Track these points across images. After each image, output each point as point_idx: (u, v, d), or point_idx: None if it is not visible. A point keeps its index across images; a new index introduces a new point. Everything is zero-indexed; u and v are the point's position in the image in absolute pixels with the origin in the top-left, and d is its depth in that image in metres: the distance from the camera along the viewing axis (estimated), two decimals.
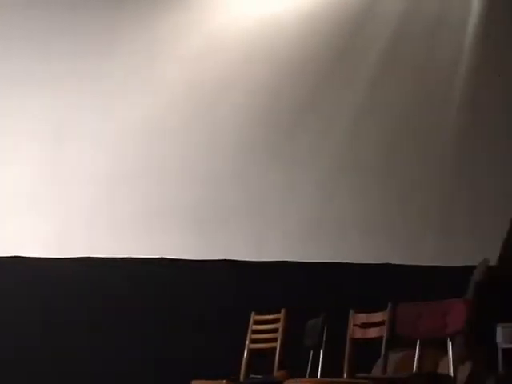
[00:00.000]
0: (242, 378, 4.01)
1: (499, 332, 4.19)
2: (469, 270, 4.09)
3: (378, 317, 3.58)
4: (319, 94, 4.98)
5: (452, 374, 3.23)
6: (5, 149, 5.33)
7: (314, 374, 3.92)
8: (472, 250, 4.47)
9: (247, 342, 4.15)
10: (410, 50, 5.12)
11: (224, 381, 3.78)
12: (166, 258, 4.90)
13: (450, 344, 3.23)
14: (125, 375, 4.66)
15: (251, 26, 5.06)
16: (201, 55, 4.99)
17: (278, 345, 3.93)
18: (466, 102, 5.04)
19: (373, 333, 3.59)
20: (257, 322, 4.17)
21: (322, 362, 3.84)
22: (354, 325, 3.78)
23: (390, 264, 4.70)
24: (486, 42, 5.11)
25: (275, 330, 4.02)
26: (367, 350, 3.65)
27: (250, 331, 4.19)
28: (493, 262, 4.29)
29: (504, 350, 4.17)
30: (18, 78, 5.09)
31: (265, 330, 4.14)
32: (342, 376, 3.67)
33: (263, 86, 4.94)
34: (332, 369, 3.71)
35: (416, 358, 3.45)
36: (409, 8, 5.13)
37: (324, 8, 5.08)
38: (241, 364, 4.10)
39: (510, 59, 5.22)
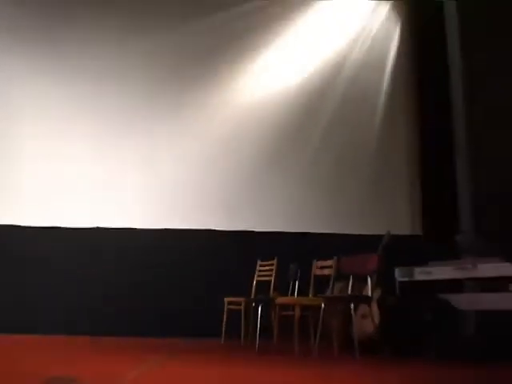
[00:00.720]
0: (252, 296, 5.86)
1: (396, 271, 5.53)
2: (379, 236, 5.83)
3: (329, 262, 5.22)
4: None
5: (370, 295, 4.84)
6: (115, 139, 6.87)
7: (292, 294, 5.63)
8: (381, 224, 6.47)
9: (255, 277, 5.98)
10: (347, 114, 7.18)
11: (242, 298, 5.82)
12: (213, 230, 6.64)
13: (369, 278, 4.84)
14: (187, 302, 6.36)
15: (254, 103, 7.08)
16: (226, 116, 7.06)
17: (272, 278, 5.78)
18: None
19: (326, 271, 5.25)
20: (261, 266, 6.03)
21: (297, 288, 5.63)
22: (316, 267, 5.39)
23: (336, 233, 6.66)
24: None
25: (271, 270, 5.83)
26: (323, 282, 5.26)
27: (257, 271, 6.04)
28: (393, 232, 5.93)
29: (399, 281, 5.49)
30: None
31: (265, 269, 5.95)
32: (308, 295, 5.33)
33: (263, 134, 7.05)
34: (303, 292, 5.46)
35: (350, 286, 5.16)
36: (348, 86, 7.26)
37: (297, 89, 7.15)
38: (251, 289, 5.96)
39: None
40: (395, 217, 6.92)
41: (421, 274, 5.36)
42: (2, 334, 5.91)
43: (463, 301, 5.09)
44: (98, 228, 6.63)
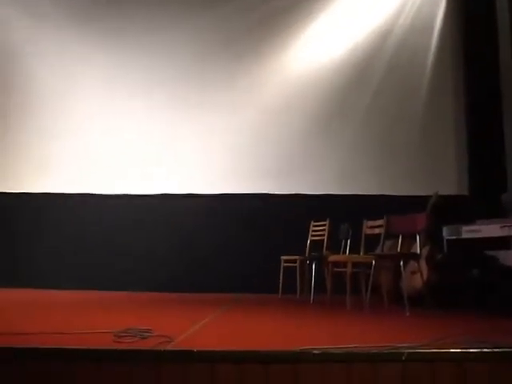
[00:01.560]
0: (307, 254, 6.15)
1: (444, 230, 5.69)
2: (428, 197, 6.04)
3: (379, 222, 5.36)
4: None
5: (419, 252, 4.99)
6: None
7: (344, 253, 5.86)
8: (429, 184, 6.60)
9: (309, 237, 6.28)
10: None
11: (297, 256, 6.13)
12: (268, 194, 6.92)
13: (418, 236, 4.95)
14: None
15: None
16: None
17: (325, 237, 6.05)
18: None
19: (376, 231, 5.40)
20: (314, 226, 6.32)
21: (349, 246, 5.87)
22: (366, 227, 5.53)
23: (385, 195, 6.81)
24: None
25: (324, 230, 6.10)
26: (373, 241, 5.46)
27: (310, 231, 6.32)
28: (441, 192, 6.13)
29: (447, 240, 5.65)
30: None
31: (318, 230, 6.23)
32: (359, 253, 5.49)
33: (314, 101, 7.17)
34: (355, 251, 5.66)
35: (399, 244, 5.28)
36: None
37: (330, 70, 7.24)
38: (306, 248, 6.26)
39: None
40: (443, 177, 6.97)
41: (468, 232, 5.47)
42: (70, 289, 6.41)
43: (510, 257, 5.23)
44: (159, 194, 7.02)
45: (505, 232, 5.18)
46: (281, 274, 6.08)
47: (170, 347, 2.44)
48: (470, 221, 5.62)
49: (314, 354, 2.25)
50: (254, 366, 2.26)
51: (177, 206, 6.97)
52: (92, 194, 7.05)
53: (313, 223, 6.31)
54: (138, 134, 7.19)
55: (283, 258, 6.13)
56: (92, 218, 7.00)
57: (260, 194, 6.97)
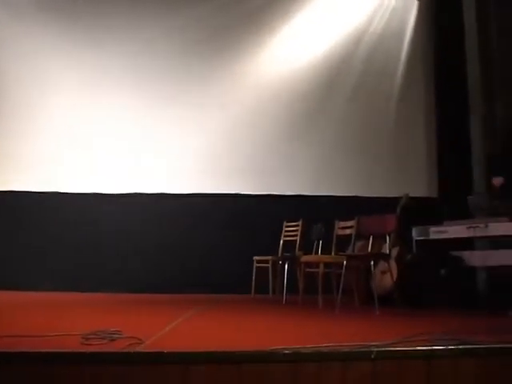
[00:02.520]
0: (279, 254, 6.13)
1: (413, 231, 5.67)
2: (398, 198, 6.12)
3: (350, 223, 5.42)
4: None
5: (389, 252, 5.06)
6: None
7: (316, 253, 5.84)
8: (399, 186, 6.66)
9: (282, 237, 6.26)
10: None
11: (270, 257, 6.10)
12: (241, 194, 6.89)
13: (388, 237, 5.02)
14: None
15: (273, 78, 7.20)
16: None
17: (298, 238, 6.06)
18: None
19: (348, 231, 5.46)
20: (287, 227, 6.30)
21: (321, 247, 5.86)
22: (338, 228, 5.59)
23: (357, 196, 6.88)
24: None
25: (297, 230, 6.11)
26: (345, 241, 5.50)
27: (283, 231, 6.29)
28: (411, 194, 6.15)
29: (416, 240, 5.64)
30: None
31: (291, 230, 6.21)
32: (331, 253, 5.50)
33: (289, 103, 7.17)
34: (327, 251, 5.64)
35: (370, 244, 5.31)
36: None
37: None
38: (278, 249, 6.23)
39: None
40: (413, 180, 7.12)
41: (436, 232, 5.53)
42: (44, 291, 6.23)
43: (475, 257, 5.32)
44: (135, 193, 6.91)
45: (470, 233, 5.26)
46: (253, 275, 6.07)
47: (140, 349, 2.40)
48: (438, 222, 5.70)
49: (285, 353, 2.24)
50: (225, 366, 2.23)
51: (150, 206, 6.87)
52: (64, 193, 6.87)
53: (285, 224, 6.31)
54: (116, 133, 7.04)
55: (256, 258, 6.12)
56: (66, 217, 6.81)
57: (233, 194, 6.94)
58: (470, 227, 5.24)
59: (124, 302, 5.52)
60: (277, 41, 7.31)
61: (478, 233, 5.17)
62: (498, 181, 3.80)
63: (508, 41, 6.73)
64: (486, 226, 5.08)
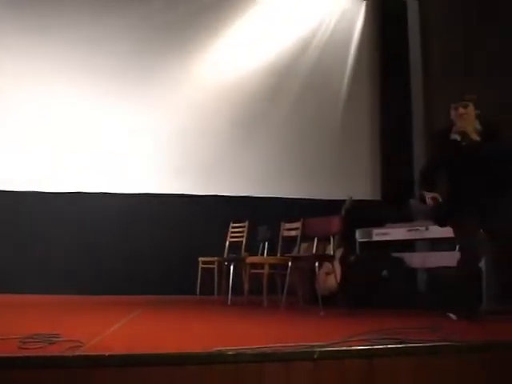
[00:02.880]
0: (225, 255, 6.11)
1: (357, 232, 5.90)
2: (342, 201, 6.21)
3: (296, 225, 5.52)
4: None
5: (333, 254, 5.19)
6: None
7: (262, 254, 5.92)
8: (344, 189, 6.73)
9: (228, 238, 6.25)
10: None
11: (216, 258, 6.12)
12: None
13: (332, 238, 5.16)
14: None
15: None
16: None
17: (244, 239, 6.06)
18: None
19: (293, 233, 5.55)
20: (233, 228, 6.29)
21: (267, 248, 5.95)
22: (284, 229, 5.65)
23: (303, 198, 6.95)
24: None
25: (243, 232, 6.12)
26: (290, 243, 5.58)
27: (229, 232, 6.29)
28: (355, 197, 6.27)
29: (359, 242, 5.88)
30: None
31: (237, 231, 6.21)
32: (276, 255, 5.59)
33: (236, 106, 7.17)
34: (273, 252, 5.73)
35: (314, 246, 5.41)
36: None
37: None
38: (224, 250, 6.20)
39: None
40: (357, 183, 7.32)
41: (378, 235, 5.75)
42: None
43: (415, 259, 5.51)
44: (79, 193, 6.70)
45: (411, 235, 5.51)
46: (199, 276, 6.04)
47: (80, 352, 2.33)
48: (380, 224, 5.91)
49: (228, 354, 2.23)
50: (167, 368, 2.20)
51: (92, 205, 6.68)
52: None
53: (231, 225, 6.30)
54: (56, 128, 6.77)
55: (201, 259, 6.10)
56: (9, 216, 6.53)
57: (179, 194, 6.86)
58: (411, 230, 5.48)
59: (65, 304, 5.38)
60: (224, 42, 7.28)
61: (419, 235, 5.41)
62: (430, 197, 3.99)
63: (450, 51, 7.04)
64: (427, 229, 5.30)
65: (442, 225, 4.22)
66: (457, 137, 3.98)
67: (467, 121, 3.97)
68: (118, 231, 6.67)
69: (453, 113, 4.03)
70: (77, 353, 2.27)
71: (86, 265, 6.49)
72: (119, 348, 2.52)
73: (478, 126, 4.02)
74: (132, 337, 3.05)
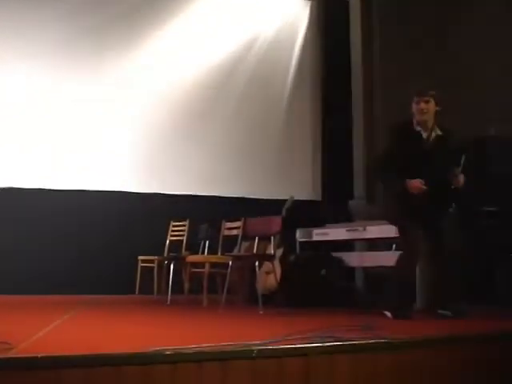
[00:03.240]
0: (165, 254, 6.07)
1: (297, 232, 5.97)
2: (283, 201, 6.26)
3: (237, 224, 5.52)
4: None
5: (273, 253, 5.13)
6: None
7: (203, 253, 5.92)
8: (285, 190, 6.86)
9: (168, 237, 6.20)
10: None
11: (156, 256, 6.09)
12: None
13: (272, 238, 5.09)
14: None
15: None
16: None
17: (184, 238, 6.03)
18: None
19: (234, 232, 5.55)
20: (173, 226, 6.24)
21: (208, 247, 5.97)
22: (225, 228, 5.67)
23: (245, 197, 7.06)
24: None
25: (183, 230, 6.09)
26: (232, 242, 5.59)
27: (170, 231, 6.23)
28: (296, 197, 6.32)
29: (299, 242, 5.95)
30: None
31: (178, 229, 6.17)
32: (217, 254, 5.60)
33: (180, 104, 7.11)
34: (214, 251, 5.74)
35: (255, 245, 5.37)
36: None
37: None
38: (164, 248, 6.18)
39: None
40: (299, 184, 7.45)
41: (318, 234, 5.86)
42: None
43: (353, 258, 5.64)
44: (13, 188, 6.41)
45: (350, 235, 5.63)
46: (138, 275, 5.95)
47: (10, 354, 2.24)
48: (320, 224, 6.04)
49: (166, 354, 2.21)
50: (104, 369, 2.16)
51: (28, 202, 6.40)
52: None
53: (172, 223, 6.24)
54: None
55: (140, 258, 6.01)
56: None
57: (119, 191, 6.72)
58: (349, 230, 5.61)
59: None
60: (167, 42, 7.19)
61: (357, 235, 5.53)
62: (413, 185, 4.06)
63: (390, 56, 7.26)
64: (364, 229, 5.44)
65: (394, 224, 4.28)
66: (420, 129, 4.11)
67: (428, 115, 4.09)
68: (54, 229, 6.41)
69: (414, 106, 4.12)
70: (7, 355, 2.19)
71: (23, 264, 6.19)
72: (52, 349, 2.45)
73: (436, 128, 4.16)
74: (66, 338, 2.97)
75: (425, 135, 4.10)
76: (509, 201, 5.11)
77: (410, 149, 4.11)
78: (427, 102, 4.07)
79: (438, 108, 4.11)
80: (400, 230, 4.21)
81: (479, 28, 6.47)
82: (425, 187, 3.96)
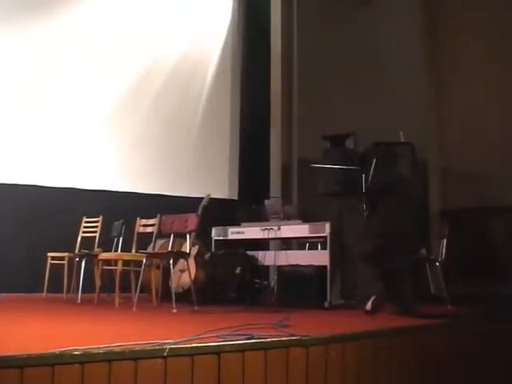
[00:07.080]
0: (76, 251, 5.86)
1: (213, 230, 6.10)
2: (200, 199, 6.13)
3: (152, 221, 5.47)
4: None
5: (188, 251, 5.16)
6: None
7: (116, 250, 5.72)
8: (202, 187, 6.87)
9: (80, 233, 6.01)
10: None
11: (66, 253, 5.83)
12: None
13: (188, 236, 5.13)
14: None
15: None
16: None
17: (97, 234, 5.88)
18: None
19: (149, 229, 5.50)
20: (86, 222, 6.06)
21: (121, 244, 5.76)
22: (139, 225, 5.57)
23: (162, 194, 7.00)
24: None
25: (96, 227, 5.92)
26: (147, 239, 5.54)
27: (82, 227, 6.04)
28: (213, 195, 6.27)
29: (215, 240, 6.09)
30: None
31: (90, 226, 6.00)
32: (131, 251, 5.45)
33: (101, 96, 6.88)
34: (128, 249, 5.55)
35: (170, 243, 5.39)
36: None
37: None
38: (75, 245, 5.97)
39: None
40: (216, 182, 7.47)
41: (234, 233, 5.97)
42: None
43: (268, 257, 5.74)
44: None
45: (265, 234, 5.74)
46: (47, 272, 5.70)
47: None
48: (236, 223, 6.12)
49: (74, 354, 2.15)
50: (7, 371, 2.06)
51: None
52: None
53: (85, 219, 6.06)
54: None
55: (50, 254, 5.75)
56: None
57: (29, 185, 6.39)
58: (264, 229, 5.72)
59: None
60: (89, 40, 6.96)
61: (272, 234, 5.65)
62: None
63: (309, 50, 7.45)
64: (279, 229, 5.59)
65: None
66: None
67: None
68: None
69: None
70: None
71: None
72: None
73: None
74: None
75: None
76: None
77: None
78: None
79: None
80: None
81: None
82: None
